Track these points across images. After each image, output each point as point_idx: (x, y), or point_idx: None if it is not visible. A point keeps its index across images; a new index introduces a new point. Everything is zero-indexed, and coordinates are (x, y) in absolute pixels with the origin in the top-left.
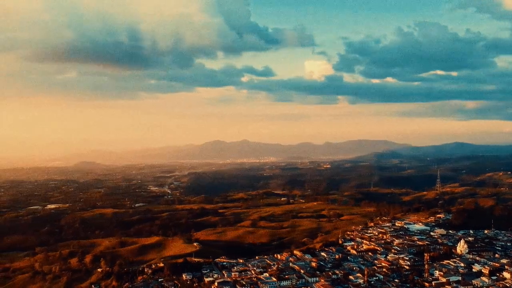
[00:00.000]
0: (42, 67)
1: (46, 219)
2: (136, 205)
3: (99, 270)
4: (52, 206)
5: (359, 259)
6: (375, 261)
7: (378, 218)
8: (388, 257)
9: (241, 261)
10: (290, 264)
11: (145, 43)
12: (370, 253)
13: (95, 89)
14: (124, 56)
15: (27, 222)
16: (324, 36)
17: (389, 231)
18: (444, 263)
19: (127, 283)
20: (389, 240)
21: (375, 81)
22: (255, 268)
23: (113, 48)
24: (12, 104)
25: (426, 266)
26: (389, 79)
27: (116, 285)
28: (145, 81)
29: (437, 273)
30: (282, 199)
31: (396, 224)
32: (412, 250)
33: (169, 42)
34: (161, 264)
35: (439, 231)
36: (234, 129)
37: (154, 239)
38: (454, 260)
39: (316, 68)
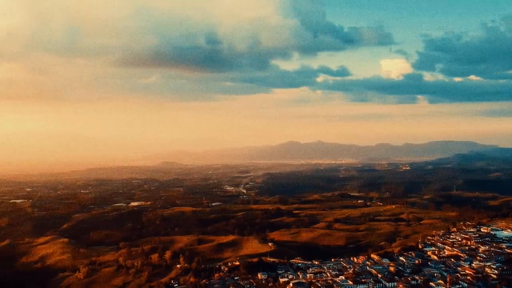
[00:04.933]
0: (127, 71)
1: (129, 216)
2: (213, 204)
3: (178, 266)
4: (135, 203)
5: (441, 265)
6: (458, 268)
7: (461, 223)
8: (473, 265)
9: (316, 262)
10: (367, 267)
11: (222, 46)
12: (452, 260)
13: (176, 91)
14: (202, 59)
15: (112, 218)
16: (402, 34)
17: (474, 237)
18: None
19: (204, 280)
20: (473, 247)
21: (458, 79)
22: (330, 270)
23: (192, 51)
24: (99, 106)
25: None
26: (473, 77)
27: (194, 281)
28: (222, 83)
29: None
30: (359, 201)
31: (482, 230)
32: (500, 258)
33: (246, 44)
34: (237, 263)
35: None
36: (309, 130)
37: (230, 237)
38: None
39: (394, 67)
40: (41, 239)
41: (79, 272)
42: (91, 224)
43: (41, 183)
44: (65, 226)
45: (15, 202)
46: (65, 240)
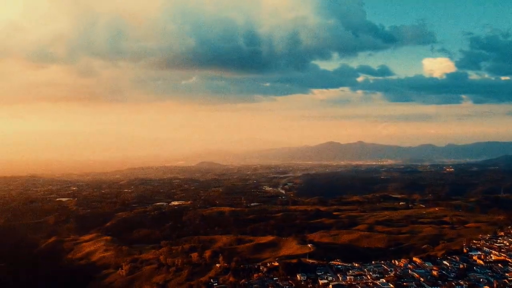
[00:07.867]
0: (167, 73)
1: (170, 215)
2: (252, 204)
3: (217, 265)
4: (176, 202)
5: (487, 270)
6: (506, 274)
7: (509, 227)
8: None
9: (356, 265)
10: (409, 271)
11: (261, 47)
12: (500, 265)
13: (215, 93)
14: (241, 60)
15: (153, 217)
16: (445, 32)
17: None
18: None
19: (243, 280)
20: None
21: (505, 78)
22: (371, 273)
23: (232, 53)
24: (141, 108)
25: None
26: None
27: (233, 281)
28: (261, 84)
29: None
30: (401, 203)
31: None
32: None
33: (285, 45)
34: (276, 263)
35: None
36: (349, 130)
37: (268, 238)
38: None
39: (437, 66)
40: (86, 237)
41: (122, 269)
42: (133, 223)
43: (86, 182)
44: (108, 224)
45: (61, 200)
46: (108, 238)
